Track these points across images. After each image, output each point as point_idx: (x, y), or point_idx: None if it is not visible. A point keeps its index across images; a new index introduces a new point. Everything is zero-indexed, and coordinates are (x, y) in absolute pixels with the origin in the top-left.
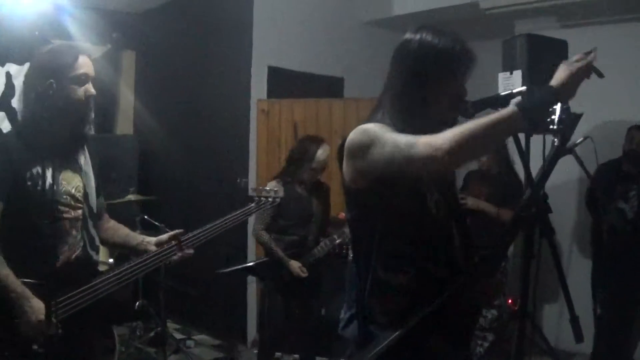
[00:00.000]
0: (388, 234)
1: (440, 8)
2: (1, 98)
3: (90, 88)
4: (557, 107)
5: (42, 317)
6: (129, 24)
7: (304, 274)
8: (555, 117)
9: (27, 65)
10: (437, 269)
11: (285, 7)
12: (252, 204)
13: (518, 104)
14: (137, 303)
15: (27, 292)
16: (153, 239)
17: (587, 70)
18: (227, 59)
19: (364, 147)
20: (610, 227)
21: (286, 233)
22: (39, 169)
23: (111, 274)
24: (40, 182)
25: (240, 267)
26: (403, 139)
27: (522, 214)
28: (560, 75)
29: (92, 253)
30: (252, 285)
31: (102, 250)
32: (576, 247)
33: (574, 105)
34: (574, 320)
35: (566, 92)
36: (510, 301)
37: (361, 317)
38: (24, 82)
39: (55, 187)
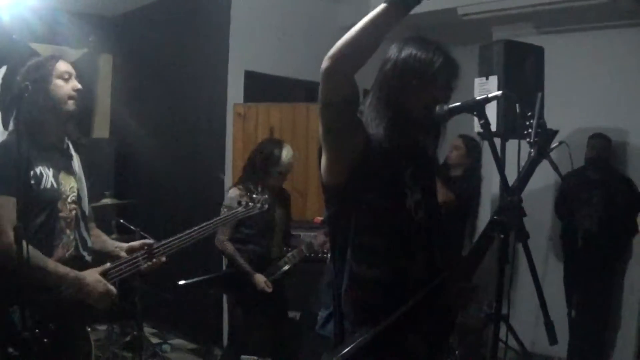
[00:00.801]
0: (364, 228)
1: (417, 14)
2: None
3: (77, 84)
4: (534, 121)
5: (106, 286)
6: (106, 28)
7: (269, 289)
8: (532, 131)
9: (3, 68)
10: (412, 267)
11: (262, 12)
12: (240, 208)
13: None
14: (113, 307)
15: (77, 273)
16: (125, 245)
17: None
18: (204, 62)
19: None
20: (584, 232)
21: (249, 243)
22: (41, 169)
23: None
24: (43, 182)
25: (201, 279)
26: None
27: (497, 218)
28: None
29: (84, 253)
30: None
31: None
32: (552, 251)
33: (550, 111)
34: (548, 324)
35: None
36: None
37: (337, 314)
38: (1, 85)
39: (56, 186)
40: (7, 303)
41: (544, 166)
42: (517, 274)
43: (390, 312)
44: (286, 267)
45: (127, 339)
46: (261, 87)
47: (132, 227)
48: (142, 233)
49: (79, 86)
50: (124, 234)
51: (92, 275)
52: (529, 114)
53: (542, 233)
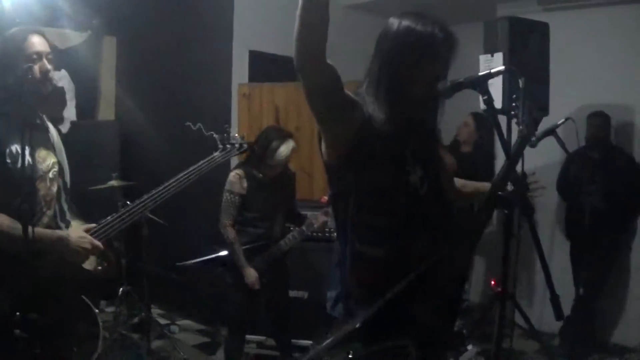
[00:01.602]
0: (365, 207)
1: None
2: None
3: (45, 64)
4: (519, 103)
5: (91, 242)
6: (109, 10)
7: (257, 287)
8: (520, 113)
9: None
10: (415, 244)
11: None
12: (217, 152)
13: None
14: (121, 289)
15: (60, 232)
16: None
17: None
18: (208, 43)
19: None
20: (590, 210)
21: (251, 225)
22: (17, 147)
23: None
24: (18, 160)
25: (200, 260)
26: None
27: (501, 194)
28: None
29: (62, 225)
30: None
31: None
32: (558, 227)
33: (556, 87)
34: (555, 299)
35: None
36: (493, 282)
37: (344, 293)
38: None
39: (32, 164)
40: None
41: (550, 142)
42: (524, 253)
43: (392, 288)
44: (285, 247)
45: (135, 320)
46: (266, 67)
47: None
48: (149, 214)
49: (48, 67)
50: None
51: (75, 233)
52: (514, 96)
53: (549, 209)
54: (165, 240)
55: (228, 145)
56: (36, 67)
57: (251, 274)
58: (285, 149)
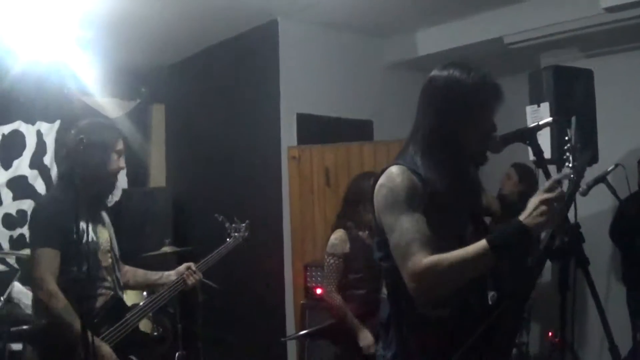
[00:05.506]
0: None
1: (464, 45)
2: (34, 156)
3: (122, 162)
4: (571, 145)
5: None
6: (157, 78)
7: (372, 351)
8: (570, 158)
9: (57, 122)
10: (473, 302)
11: (310, 54)
12: (229, 240)
13: (490, 241)
14: (177, 354)
15: (97, 339)
16: (172, 272)
17: (559, 199)
18: (256, 107)
19: (385, 210)
20: None
21: (359, 288)
22: (82, 224)
23: (138, 308)
24: (84, 236)
25: (309, 330)
26: (405, 238)
27: (554, 246)
28: (530, 207)
29: (120, 293)
30: (292, 329)
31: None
32: (614, 274)
33: (604, 133)
34: (613, 349)
35: (538, 225)
36: (550, 334)
37: (404, 355)
38: (56, 140)
39: (95, 239)
40: None
41: (602, 190)
42: (581, 300)
43: (455, 348)
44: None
45: None
46: (314, 129)
47: None
48: (204, 280)
49: (124, 165)
50: None
51: (105, 348)
52: (566, 138)
53: (603, 257)
54: (220, 304)
55: (236, 234)
56: (118, 161)
57: (367, 337)
58: None
